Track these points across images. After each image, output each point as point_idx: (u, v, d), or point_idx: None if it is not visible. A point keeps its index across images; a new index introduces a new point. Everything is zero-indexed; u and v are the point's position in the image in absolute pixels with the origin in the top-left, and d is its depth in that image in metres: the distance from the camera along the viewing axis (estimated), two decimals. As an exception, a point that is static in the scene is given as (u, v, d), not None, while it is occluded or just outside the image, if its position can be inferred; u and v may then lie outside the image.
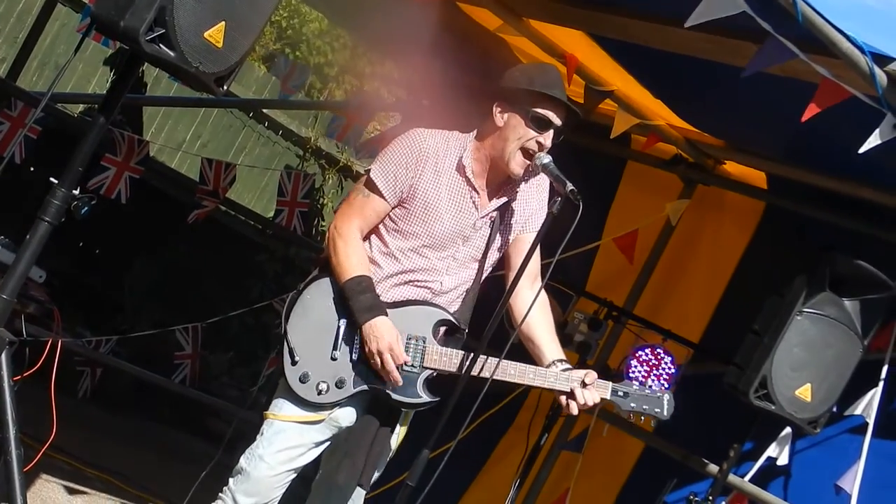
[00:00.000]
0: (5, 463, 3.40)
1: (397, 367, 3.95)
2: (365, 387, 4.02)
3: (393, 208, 4.08)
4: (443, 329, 4.10)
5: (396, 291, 4.10)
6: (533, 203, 4.21)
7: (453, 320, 4.09)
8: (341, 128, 9.23)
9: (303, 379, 3.99)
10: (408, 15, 5.59)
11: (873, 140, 3.74)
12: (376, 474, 4.19)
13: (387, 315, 3.98)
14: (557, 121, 4.04)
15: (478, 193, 4.10)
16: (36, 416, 3.70)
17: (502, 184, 4.16)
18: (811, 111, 3.72)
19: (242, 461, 4.04)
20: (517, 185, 4.17)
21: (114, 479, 6.32)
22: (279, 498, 4.09)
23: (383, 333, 3.94)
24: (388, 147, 4.13)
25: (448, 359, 4.02)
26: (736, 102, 5.00)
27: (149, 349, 8.72)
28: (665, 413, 4.18)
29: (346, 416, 4.07)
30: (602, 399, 4.08)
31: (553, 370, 4.07)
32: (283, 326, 4.06)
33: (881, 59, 3.70)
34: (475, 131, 4.16)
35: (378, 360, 3.94)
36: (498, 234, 4.17)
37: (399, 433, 4.20)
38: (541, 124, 4.02)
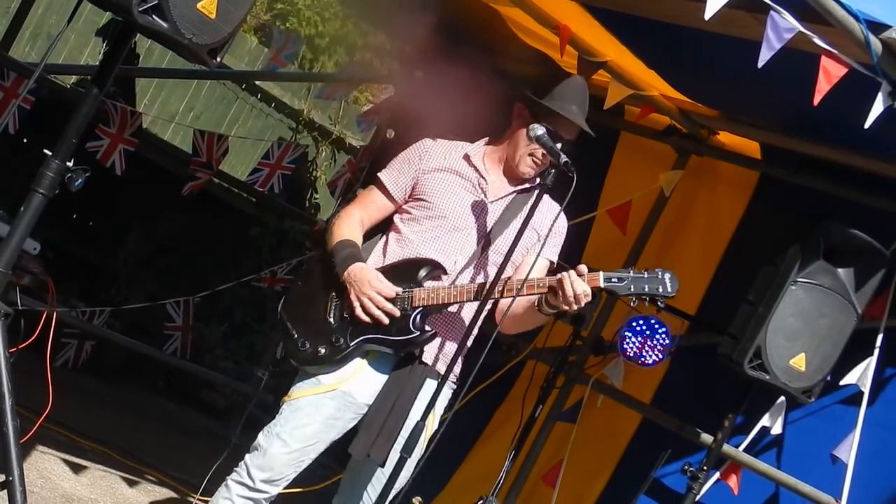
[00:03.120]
0: (2, 435, 3.40)
1: (391, 301, 4.01)
2: (361, 338, 4.06)
3: (401, 205, 4.25)
4: (427, 273, 4.11)
5: None
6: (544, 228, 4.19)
7: (434, 260, 4.12)
8: (330, 89, 9.25)
9: (302, 346, 4.11)
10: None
11: (876, 109, 3.73)
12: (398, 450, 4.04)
13: (364, 262, 4.10)
14: (567, 136, 4.18)
15: (485, 180, 4.22)
16: (26, 386, 3.70)
17: (517, 181, 4.28)
18: (820, 92, 3.72)
19: (260, 438, 4.13)
20: (531, 181, 4.27)
21: (111, 451, 6.32)
22: (292, 477, 4.14)
23: (362, 276, 4.04)
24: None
25: (436, 294, 4.04)
26: (730, 72, 4.98)
27: (143, 321, 8.73)
28: (670, 289, 3.92)
29: (361, 391, 4.10)
30: (595, 288, 3.96)
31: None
32: (279, 314, 4.25)
33: (876, 27, 3.69)
34: (486, 139, 4.34)
35: (366, 301, 4.01)
36: (511, 221, 4.20)
37: (436, 412, 4.11)
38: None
